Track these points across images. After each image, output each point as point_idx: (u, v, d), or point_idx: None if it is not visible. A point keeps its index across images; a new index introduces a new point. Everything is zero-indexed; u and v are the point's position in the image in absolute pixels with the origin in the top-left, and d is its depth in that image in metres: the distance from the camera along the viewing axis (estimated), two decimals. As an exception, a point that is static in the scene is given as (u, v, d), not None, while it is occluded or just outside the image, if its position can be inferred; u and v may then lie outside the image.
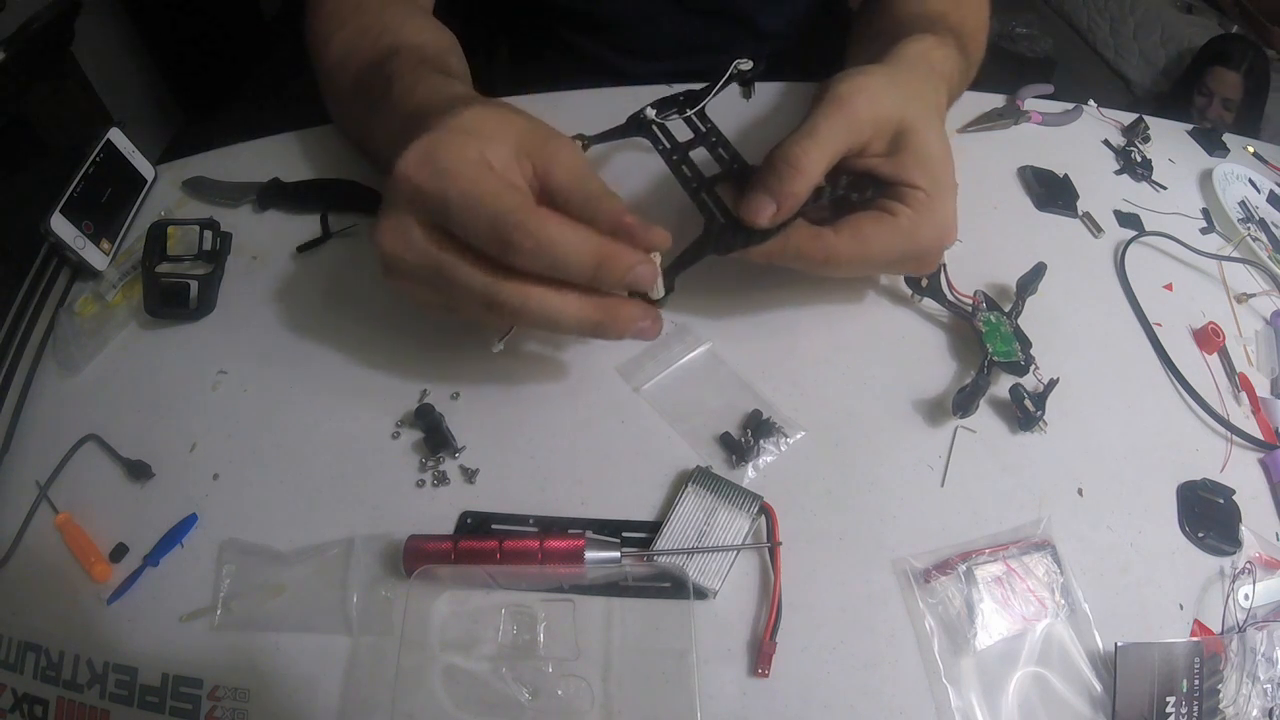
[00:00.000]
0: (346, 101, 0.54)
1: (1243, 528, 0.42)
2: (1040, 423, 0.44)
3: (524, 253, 0.33)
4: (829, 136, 0.39)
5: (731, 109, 0.47)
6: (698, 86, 0.50)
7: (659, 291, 0.38)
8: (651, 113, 0.48)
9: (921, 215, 0.41)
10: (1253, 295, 0.54)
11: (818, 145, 0.39)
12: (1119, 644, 0.36)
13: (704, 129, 0.47)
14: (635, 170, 0.55)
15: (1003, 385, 0.45)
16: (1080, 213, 0.57)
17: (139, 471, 0.42)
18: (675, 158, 0.45)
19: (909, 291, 0.48)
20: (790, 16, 0.74)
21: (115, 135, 0.53)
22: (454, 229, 0.35)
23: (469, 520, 0.40)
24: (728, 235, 0.40)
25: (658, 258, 0.37)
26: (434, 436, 0.42)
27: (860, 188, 0.41)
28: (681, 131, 0.47)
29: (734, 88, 0.52)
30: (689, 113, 0.48)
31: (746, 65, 0.51)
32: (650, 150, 0.46)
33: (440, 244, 0.36)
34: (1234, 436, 0.46)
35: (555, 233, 0.33)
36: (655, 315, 0.38)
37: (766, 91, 0.62)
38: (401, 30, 0.51)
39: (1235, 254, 0.57)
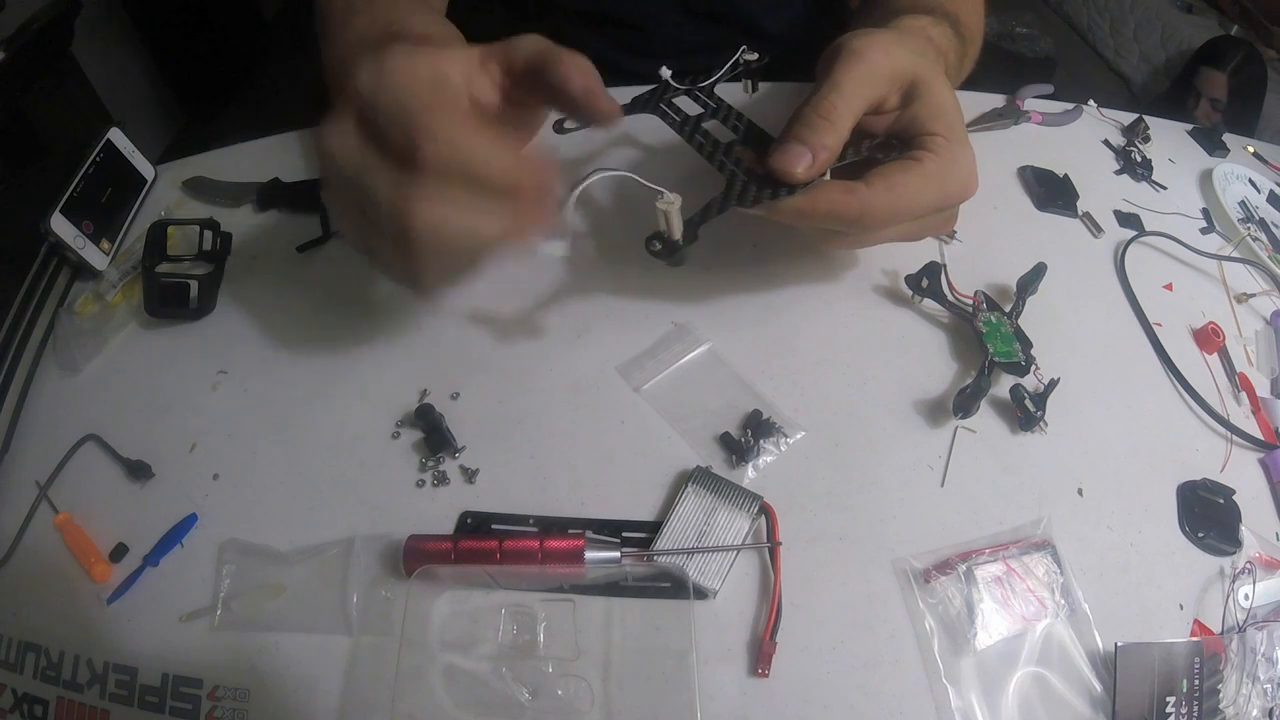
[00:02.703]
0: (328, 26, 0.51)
1: (1243, 528, 0.42)
2: (1040, 423, 0.44)
3: (429, 153, 0.32)
4: (853, 90, 0.39)
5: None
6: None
7: (677, 231, 0.37)
8: (668, 73, 0.49)
9: (945, 160, 0.40)
10: (1253, 295, 0.54)
11: (844, 99, 0.39)
12: (1119, 644, 0.36)
13: (714, 105, 0.47)
14: (641, 149, 0.56)
15: (1003, 385, 0.45)
16: (1080, 213, 0.57)
17: (139, 471, 0.42)
18: (688, 129, 0.45)
19: (909, 291, 0.48)
20: (792, 19, 0.74)
21: (115, 135, 0.53)
22: (379, 127, 0.34)
23: (469, 520, 0.40)
24: (751, 188, 0.40)
25: (678, 201, 0.36)
26: (434, 436, 0.42)
27: (886, 149, 0.41)
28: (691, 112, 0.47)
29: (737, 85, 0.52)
30: (696, 87, 0.48)
31: (752, 56, 0.51)
32: (650, 135, 0.46)
33: (368, 142, 0.34)
34: (1234, 436, 0.46)
35: (464, 137, 0.32)
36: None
37: (769, 93, 0.62)
38: (406, 21, 0.51)
39: (1235, 254, 0.57)
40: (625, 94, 0.50)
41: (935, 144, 0.40)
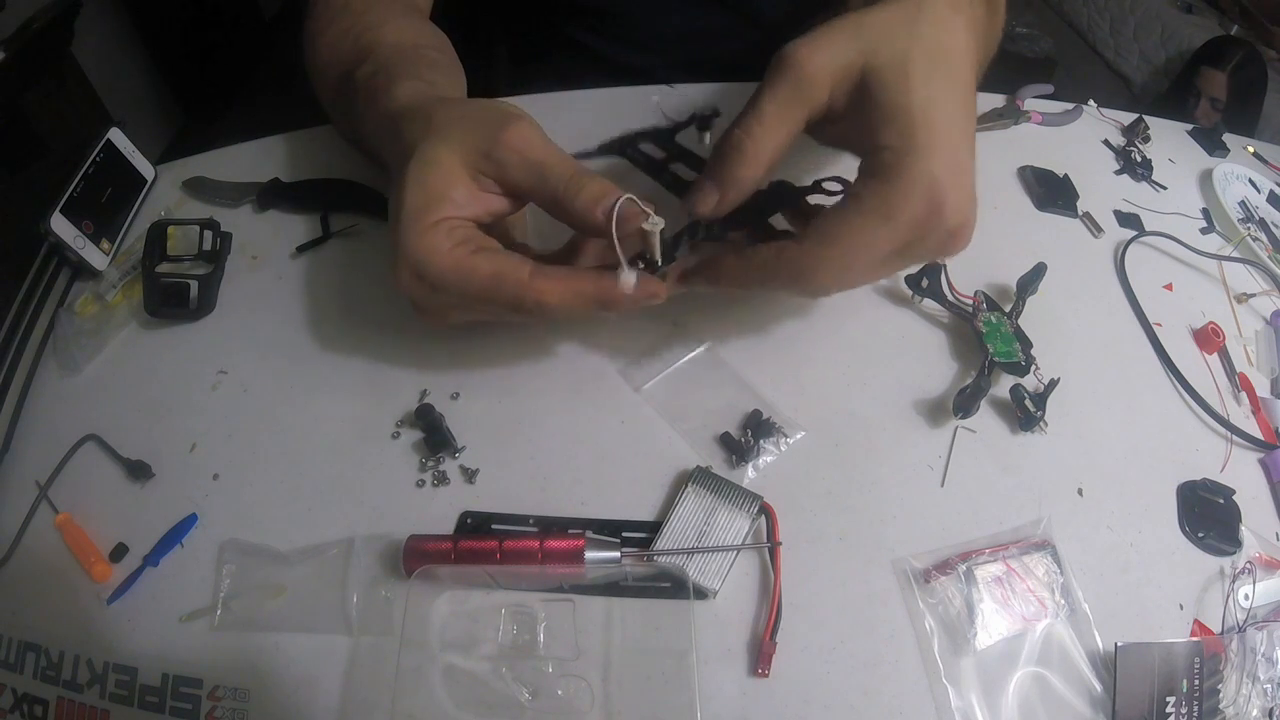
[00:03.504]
0: (332, 103, 0.54)
1: (1243, 528, 0.42)
2: (1040, 423, 0.44)
3: (534, 316, 0.37)
4: (774, 112, 0.35)
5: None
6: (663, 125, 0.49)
7: (658, 253, 0.37)
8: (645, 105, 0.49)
9: (892, 184, 0.32)
10: (1253, 295, 0.54)
11: (762, 124, 0.35)
12: (1119, 644, 0.36)
13: (675, 150, 0.47)
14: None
15: (1003, 385, 0.45)
16: (1080, 213, 0.57)
17: (139, 471, 0.42)
18: (654, 169, 0.46)
19: (909, 291, 0.48)
20: (791, 4, 0.73)
21: (115, 135, 0.53)
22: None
23: (469, 520, 0.40)
24: (692, 228, 0.40)
25: (661, 224, 0.36)
26: (434, 436, 0.42)
27: (828, 190, 0.40)
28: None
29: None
30: (656, 135, 0.48)
31: (708, 111, 0.50)
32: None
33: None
34: (1234, 436, 0.46)
35: (553, 297, 0.36)
36: (657, 286, 0.37)
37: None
38: (380, 31, 0.51)
39: (1235, 254, 0.57)
40: (617, 94, 0.50)
41: (880, 165, 0.33)
